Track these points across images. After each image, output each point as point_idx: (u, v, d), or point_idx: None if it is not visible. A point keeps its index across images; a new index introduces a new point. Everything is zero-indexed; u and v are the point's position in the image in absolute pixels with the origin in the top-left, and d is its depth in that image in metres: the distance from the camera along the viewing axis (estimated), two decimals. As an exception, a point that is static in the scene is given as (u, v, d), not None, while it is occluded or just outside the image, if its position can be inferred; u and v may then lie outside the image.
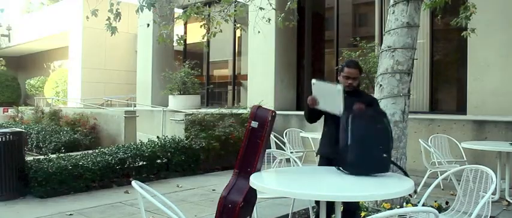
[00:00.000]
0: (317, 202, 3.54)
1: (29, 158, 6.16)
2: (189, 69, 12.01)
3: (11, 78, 23.27)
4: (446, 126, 7.09)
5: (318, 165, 3.77)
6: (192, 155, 7.37)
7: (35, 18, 23.19)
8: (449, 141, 6.55)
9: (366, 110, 3.26)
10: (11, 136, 5.60)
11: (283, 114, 9.32)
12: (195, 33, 9.27)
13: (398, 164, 4.54)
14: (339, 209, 3.13)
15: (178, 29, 13.85)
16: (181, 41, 7.08)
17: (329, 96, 3.34)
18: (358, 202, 3.93)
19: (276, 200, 5.18)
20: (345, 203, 3.58)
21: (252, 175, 3.06)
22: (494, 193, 5.21)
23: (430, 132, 6.98)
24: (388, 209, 4.29)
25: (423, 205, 3.52)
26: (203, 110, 9.18)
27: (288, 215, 4.48)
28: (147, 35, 13.44)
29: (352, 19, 11.71)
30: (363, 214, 4.22)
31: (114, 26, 5.53)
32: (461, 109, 8.08)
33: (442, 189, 5.90)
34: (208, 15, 6.68)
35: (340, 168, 3.09)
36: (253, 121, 3.30)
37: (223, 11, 6.25)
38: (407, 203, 4.45)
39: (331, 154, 3.44)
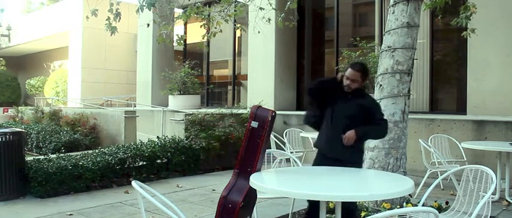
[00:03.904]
0: (310, 202, 3.60)
1: (29, 158, 6.16)
2: (189, 69, 12.01)
3: (11, 78, 23.27)
4: (446, 126, 7.09)
5: (315, 159, 3.83)
6: (192, 155, 7.36)
7: (35, 18, 23.19)
8: (449, 141, 6.55)
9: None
10: (11, 136, 5.60)
11: (283, 114, 9.32)
12: (195, 33, 9.27)
13: (398, 164, 4.55)
14: (339, 209, 3.13)
15: (178, 29, 13.86)
16: (181, 41, 7.08)
17: None
18: (356, 202, 3.93)
19: (276, 200, 5.18)
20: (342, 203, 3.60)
21: (252, 175, 3.06)
22: (494, 193, 5.21)
23: (430, 132, 6.98)
24: (388, 209, 4.30)
25: (423, 205, 3.52)
26: (203, 110, 9.17)
27: (288, 215, 4.48)
28: (147, 35, 13.45)
29: (352, 19, 11.71)
30: (362, 214, 4.22)
31: (114, 26, 5.53)
32: (461, 109, 8.08)
33: (442, 189, 5.90)
34: (208, 15, 6.68)
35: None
36: (253, 121, 3.30)
37: (223, 11, 6.25)
38: (407, 203, 4.45)
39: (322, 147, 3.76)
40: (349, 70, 3.63)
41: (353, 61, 8.76)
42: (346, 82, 3.61)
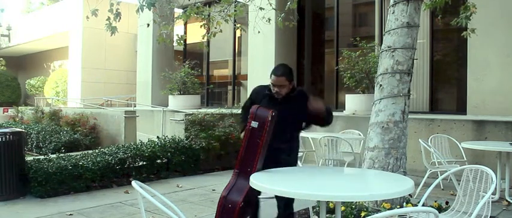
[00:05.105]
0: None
1: (29, 158, 6.16)
2: (189, 69, 12.02)
3: (11, 78, 23.28)
4: (446, 126, 7.09)
5: None
6: (192, 155, 7.37)
7: (35, 18, 23.19)
8: (449, 141, 6.55)
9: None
10: (11, 136, 5.60)
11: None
12: (195, 33, 9.27)
13: (398, 164, 4.55)
14: (339, 209, 3.13)
15: (178, 29, 13.86)
16: (181, 41, 7.08)
17: None
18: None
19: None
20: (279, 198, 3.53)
21: (252, 175, 3.06)
22: (494, 193, 5.21)
23: (430, 132, 6.97)
24: (388, 209, 4.29)
25: (423, 205, 3.52)
26: (203, 110, 9.17)
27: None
28: (147, 35, 13.45)
29: (352, 19, 11.71)
30: (362, 214, 4.22)
31: (114, 26, 5.53)
32: (461, 109, 8.08)
33: (442, 189, 5.90)
34: (208, 15, 6.68)
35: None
36: (253, 121, 3.30)
37: (223, 11, 6.25)
38: (407, 203, 4.45)
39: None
40: (273, 77, 3.44)
41: (354, 61, 8.76)
42: (274, 90, 3.46)
